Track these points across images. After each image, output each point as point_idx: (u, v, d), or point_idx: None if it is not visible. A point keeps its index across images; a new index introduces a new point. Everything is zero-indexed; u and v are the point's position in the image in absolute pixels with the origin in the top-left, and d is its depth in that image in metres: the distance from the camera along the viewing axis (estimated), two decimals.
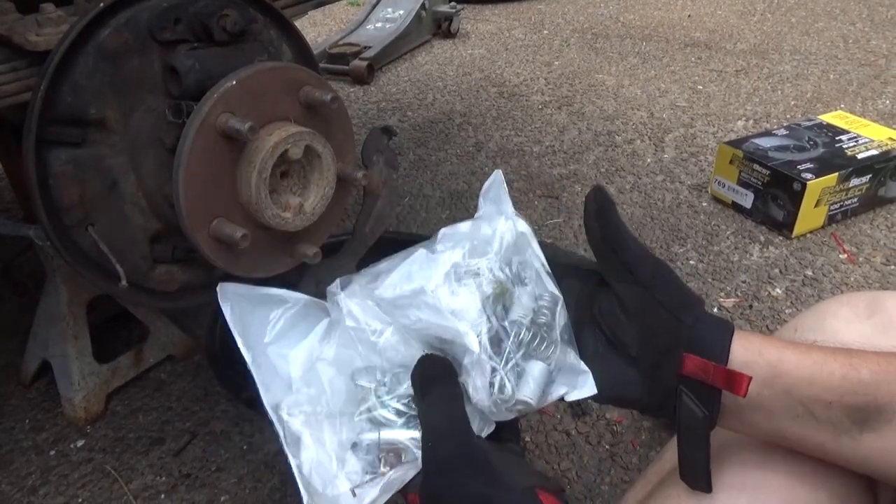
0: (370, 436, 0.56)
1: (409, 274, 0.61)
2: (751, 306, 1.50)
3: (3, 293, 1.50)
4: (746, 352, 0.55)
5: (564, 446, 1.19)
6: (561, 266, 0.64)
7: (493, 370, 0.57)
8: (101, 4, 0.76)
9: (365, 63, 2.69)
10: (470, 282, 0.60)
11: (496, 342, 0.59)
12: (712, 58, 2.85)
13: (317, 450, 0.56)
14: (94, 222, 0.82)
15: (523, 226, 0.64)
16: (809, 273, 1.60)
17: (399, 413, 0.57)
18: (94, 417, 1.26)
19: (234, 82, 0.75)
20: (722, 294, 1.53)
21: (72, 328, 1.21)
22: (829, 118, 1.96)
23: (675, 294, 0.57)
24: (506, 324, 0.59)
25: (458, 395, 0.55)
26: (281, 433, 0.57)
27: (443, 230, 0.64)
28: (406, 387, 0.58)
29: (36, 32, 0.81)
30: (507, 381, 0.57)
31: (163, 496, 1.13)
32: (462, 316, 0.58)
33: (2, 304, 1.53)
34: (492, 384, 0.57)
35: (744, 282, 1.57)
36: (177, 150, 0.74)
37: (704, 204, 1.87)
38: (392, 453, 0.56)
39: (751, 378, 0.53)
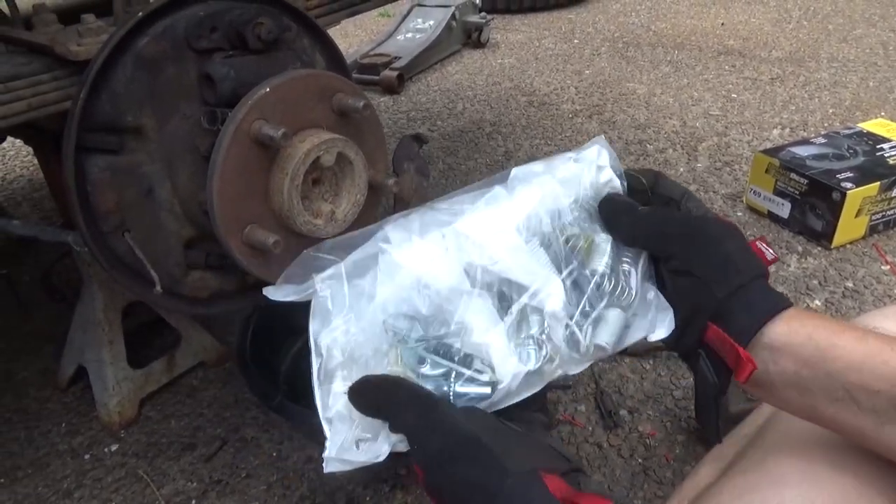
0: None
1: (490, 209, 0.60)
2: None
3: (42, 299, 1.53)
4: (793, 334, 0.54)
5: (596, 459, 1.17)
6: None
7: (567, 323, 0.57)
8: (140, 14, 0.78)
9: (395, 73, 2.70)
10: (552, 225, 0.60)
11: (576, 290, 0.59)
12: (746, 66, 2.81)
13: (345, 388, 0.55)
14: (129, 228, 0.83)
15: (608, 173, 0.64)
16: (850, 285, 1.55)
17: (421, 360, 0.55)
18: (127, 422, 1.28)
19: (268, 89, 0.76)
20: None
21: (107, 334, 1.23)
22: (869, 126, 1.91)
23: (713, 263, 0.57)
24: (587, 272, 0.59)
25: (428, 397, 0.52)
26: (316, 367, 0.56)
27: (515, 170, 0.63)
28: (436, 331, 0.56)
29: (77, 42, 0.83)
30: (580, 332, 0.57)
31: (193, 502, 1.14)
32: (544, 262, 0.58)
33: (40, 310, 1.56)
34: (568, 333, 0.57)
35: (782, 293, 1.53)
36: (211, 157, 0.75)
37: (739, 213, 1.83)
38: None
39: (755, 368, 0.53)
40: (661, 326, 0.60)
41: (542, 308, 0.56)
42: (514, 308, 0.57)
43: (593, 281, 0.59)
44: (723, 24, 3.37)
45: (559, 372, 0.58)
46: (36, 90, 0.82)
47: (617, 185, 0.65)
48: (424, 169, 1.05)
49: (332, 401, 0.54)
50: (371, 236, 0.60)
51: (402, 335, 0.56)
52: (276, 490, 1.15)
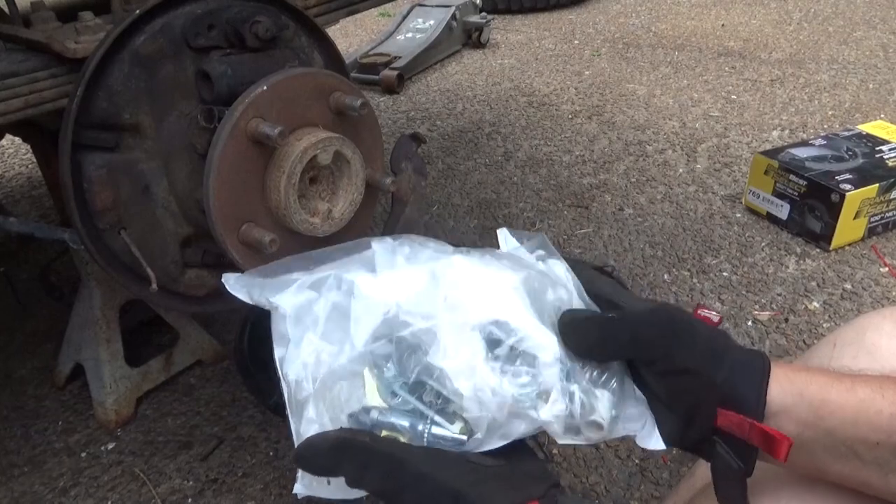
0: (365, 416, 0.52)
1: (484, 260, 0.58)
2: (787, 320, 1.46)
3: (40, 296, 1.53)
4: (786, 395, 0.52)
5: (593, 459, 1.17)
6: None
7: (561, 377, 0.54)
8: (137, 11, 0.78)
9: (395, 73, 2.70)
10: (542, 297, 0.57)
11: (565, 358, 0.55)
12: (747, 67, 2.81)
13: (318, 420, 0.52)
14: (126, 226, 0.83)
15: (561, 270, 0.62)
16: (848, 286, 1.55)
17: (395, 396, 0.52)
18: (124, 420, 1.28)
19: (265, 87, 0.76)
20: (757, 307, 1.50)
21: (104, 332, 1.23)
22: (868, 128, 1.91)
23: (698, 350, 0.54)
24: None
25: (390, 453, 0.50)
26: (286, 395, 0.53)
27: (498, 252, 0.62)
28: (415, 367, 0.53)
29: (75, 40, 0.83)
30: (581, 395, 0.54)
31: (190, 500, 1.14)
32: (538, 316, 0.55)
33: (38, 308, 1.56)
34: (567, 398, 0.53)
35: (779, 295, 1.53)
36: (208, 155, 0.75)
37: (738, 215, 1.83)
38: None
39: (791, 443, 0.50)
40: (648, 437, 0.57)
41: (534, 355, 0.53)
42: (506, 346, 0.54)
43: (579, 359, 0.56)
44: (723, 25, 3.37)
45: (543, 419, 0.53)
46: (33, 87, 0.82)
47: (570, 278, 0.62)
48: (422, 168, 1.05)
49: (305, 428, 0.52)
50: (356, 251, 0.58)
51: (379, 366, 0.53)
52: (273, 489, 1.15)
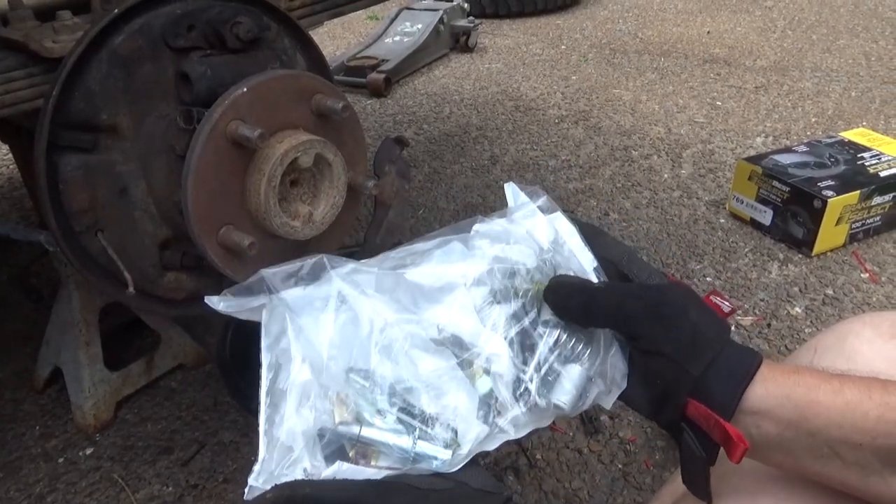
0: (349, 429, 0.51)
1: (444, 263, 0.58)
2: (769, 325, 1.47)
3: (19, 299, 1.51)
4: (770, 396, 0.52)
5: (576, 465, 1.17)
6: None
7: (519, 380, 0.55)
8: (115, 11, 0.77)
9: (382, 76, 2.70)
10: (507, 282, 0.58)
11: (528, 346, 0.56)
12: (731, 74, 2.83)
13: (297, 420, 0.51)
14: (103, 228, 0.82)
15: (563, 223, 0.62)
16: (830, 292, 1.56)
17: (381, 413, 0.53)
18: (103, 425, 1.26)
19: (245, 89, 0.75)
20: (739, 312, 1.50)
21: (84, 335, 1.21)
22: (850, 135, 1.92)
23: (683, 339, 0.54)
24: (539, 328, 0.57)
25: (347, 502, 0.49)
26: (265, 383, 0.53)
27: (476, 226, 0.62)
28: (397, 398, 0.53)
29: (52, 39, 0.82)
30: (531, 389, 0.55)
31: None
32: (494, 322, 0.56)
33: (17, 310, 1.54)
34: (518, 393, 0.55)
35: (762, 300, 1.54)
36: (186, 157, 0.74)
37: (722, 220, 1.84)
38: (361, 454, 0.52)
39: (746, 448, 0.51)
40: (612, 396, 0.58)
41: (489, 369, 0.54)
42: (468, 369, 0.55)
43: (547, 334, 0.57)
44: (709, 32, 3.39)
45: (511, 433, 0.55)
46: (9, 87, 0.81)
47: (573, 230, 0.63)
48: (406, 172, 1.04)
49: (284, 426, 0.52)
50: (319, 273, 0.57)
51: (361, 385, 0.53)
52: None
